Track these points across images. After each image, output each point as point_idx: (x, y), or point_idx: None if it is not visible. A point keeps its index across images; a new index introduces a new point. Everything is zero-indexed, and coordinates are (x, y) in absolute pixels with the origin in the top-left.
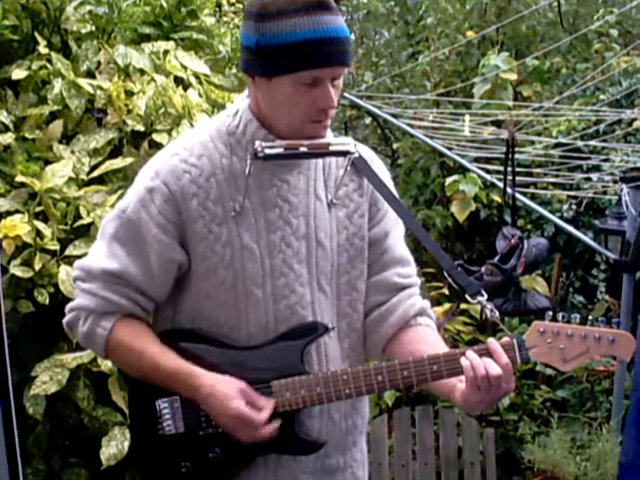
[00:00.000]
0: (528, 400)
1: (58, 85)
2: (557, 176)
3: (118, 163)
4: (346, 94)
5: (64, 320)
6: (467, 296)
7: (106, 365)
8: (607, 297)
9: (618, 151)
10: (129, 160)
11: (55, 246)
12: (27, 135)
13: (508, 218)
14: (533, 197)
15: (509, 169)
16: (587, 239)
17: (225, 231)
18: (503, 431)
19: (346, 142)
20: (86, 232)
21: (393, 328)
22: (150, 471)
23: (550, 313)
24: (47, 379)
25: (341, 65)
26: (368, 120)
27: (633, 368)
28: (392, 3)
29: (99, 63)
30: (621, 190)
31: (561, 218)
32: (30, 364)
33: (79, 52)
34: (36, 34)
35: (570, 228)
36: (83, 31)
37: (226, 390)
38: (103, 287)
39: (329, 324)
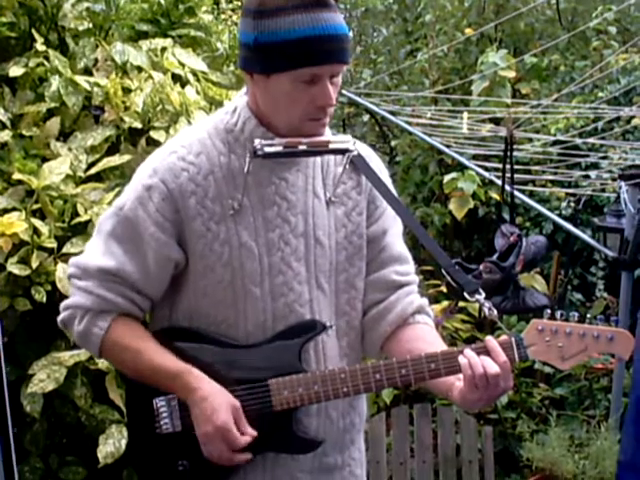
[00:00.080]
0: (526, 398)
1: (55, 82)
2: (555, 174)
3: (115, 160)
4: (344, 91)
5: (59, 318)
6: (465, 294)
7: (103, 363)
8: (605, 295)
9: (616, 149)
10: (126, 157)
11: (52, 244)
12: (24, 132)
13: (506, 216)
14: (531, 195)
15: (507, 167)
16: (585, 237)
17: (223, 229)
18: (501, 429)
19: (345, 140)
20: (83, 230)
21: (391, 326)
22: (147, 469)
23: (548, 311)
24: (44, 377)
25: (340, 62)
26: (366, 117)
27: (632, 366)
28: (390, 0)
29: (96, 60)
30: (620, 188)
31: (559, 216)
32: (27, 362)
33: (76, 49)
34: (33, 31)
35: (568, 226)
36: (80, 28)
37: (221, 401)
38: (99, 285)
39: (327, 322)
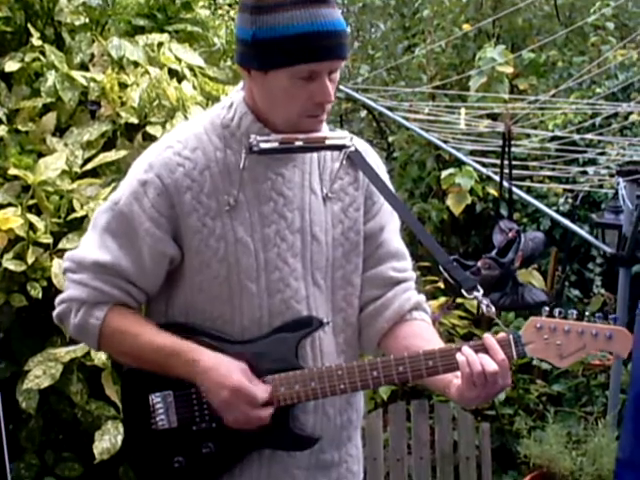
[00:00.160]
0: (524, 394)
1: (51, 77)
2: (553, 169)
3: (112, 156)
4: (342, 87)
5: (54, 313)
6: (463, 291)
7: (99, 359)
8: (603, 291)
9: (614, 144)
10: (123, 153)
11: (48, 239)
12: (20, 128)
13: (504, 212)
14: (529, 190)
15: (505, 162)
16: (583, 233)
17: (219, 225)
18: (499, 425)
19: (342, 136)
20: (79, 225)
21: (388, 322)
22: (143, 466)
23: (547, 309)
24: (40, 373)
25: (338, 58)
26: (364, 113)
27: (630, 363)
28: None
29: (93, 55)
30: (618, 184)
31: (557, 212)
32: (23, 358)
33: (73, 44)
34: (29, 26)
35: (566, 222)
36: (77, 23)
37: (228, 365)
38: (94, 278)
39: (324, 318)
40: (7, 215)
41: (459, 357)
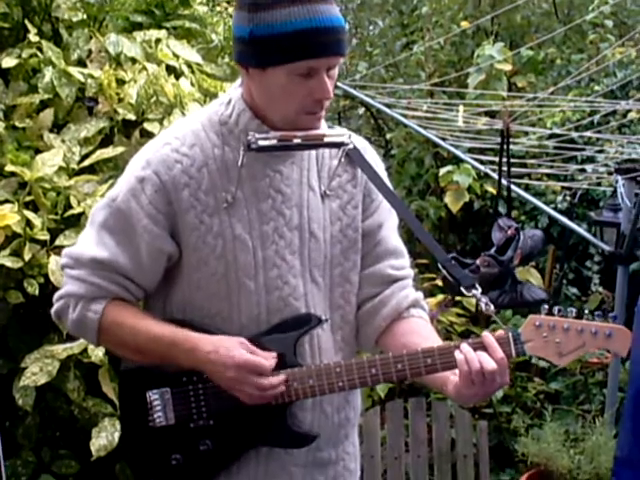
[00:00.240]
0: (521, 392)
1: (49, 73)
2: (551, 167)
3: (109, 152)
4: (340, 84)
5: (52, 309)
6: (462, 289)
7: (96, 356)
8: (601, 289)
9: (613, 142)
10: (120, 149)
11: (45, 236)
12: (17, 124)
13: (502, 209)
14: (527, 188)
15: (504, 160)
16: (581, 230)
17: (217, 222)
18: (496, 423)
19: (340, 133)
20: (76, 222)
21: (386, 320)
22: (140, 463)
23: (546, 306)
24: (37, 370)
25: (336, 55)
26: (361, 110)
27: (627, 361)
28: None
29: (90, 51)
30: (616, 182)
31: (555, 209)
32: (20, 355)
33: (70, 40)
34: (27, 22)
35: (564, 219)
36: (74, 19)
37: (226, 343)
38: (92, 273)
39: (322, 316)
40: (4, 212)
41: (457, 355)
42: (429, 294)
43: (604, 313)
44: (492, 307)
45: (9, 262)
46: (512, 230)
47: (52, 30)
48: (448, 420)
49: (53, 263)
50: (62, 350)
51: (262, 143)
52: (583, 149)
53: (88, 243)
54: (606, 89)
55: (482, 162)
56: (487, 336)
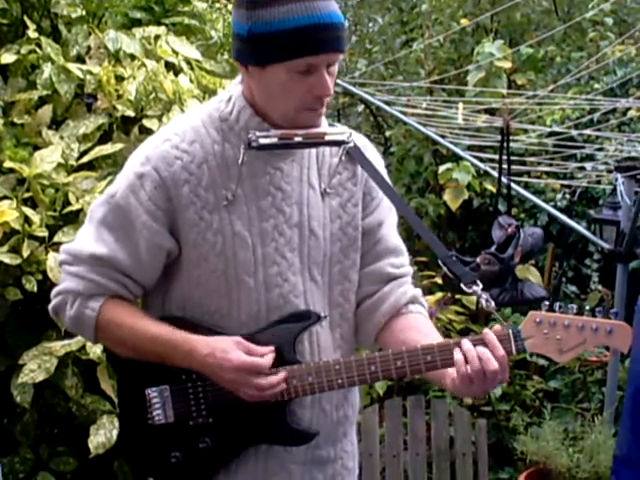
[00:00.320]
0: (520, 390)
1: (47, 70)
2: (551, 165)
3: (108, 149)
4: (339, 81)
5: (50, 305)
6: (462, 285)
7: (95, 353)
8: (600, 287)
9: (612, 140)
10: (119, 146)
11: (43, 233)
12: (16, 120)
13: (501, 207)
14: (526, 186)
15: (504, 157)
16: (581, 228)
17: (217, 218)
18: (495, 421)
19: (341, 132)
20: (75, 218)
21: (385, 317)
22: (139, 461)
23: (546, 303)
24: (35, 367)
25: (336, 51)
26: (361, 108)
27: (627, 359)
28: None
29: (89, 48)
30: (616, 180)
31: (555, 207)
32: (18, 352)
33: (69, 36)
34: (25, 18)
35: (564, 217)
36: (73, 15)
37: (223, 345)
38: (90, 270)
39: (321, 313)
40: (2, 208)
41: (456, 355)
42: (428, 292)
43: (605, 310)
44: (493, 304)
45: (7, 259)
46: (512, 228)
47: (51, 26)
48: (447, 418)
49: (51, 260)
50: (60, 347)
51: (263, 141)
52: (583, 147)
53: (87, 239)
54: (606, 87)
55: (481, 160)
56: (488, 333)
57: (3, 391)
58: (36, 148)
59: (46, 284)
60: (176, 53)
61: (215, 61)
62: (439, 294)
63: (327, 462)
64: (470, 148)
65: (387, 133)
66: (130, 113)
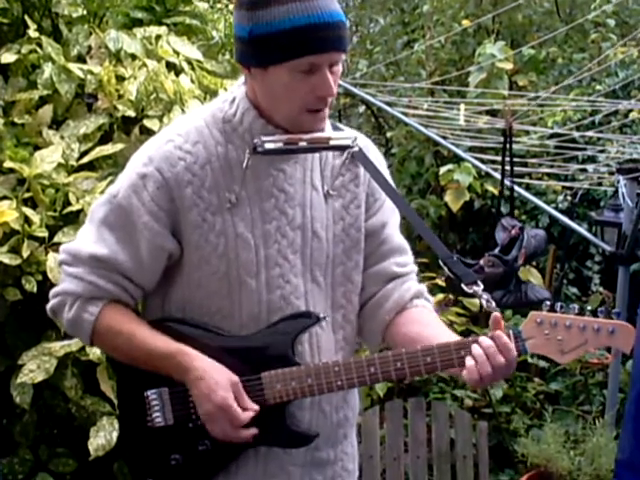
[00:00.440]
0: (521, 393)
1: (48, 69)
2: (552, 167)
3: (108, 149)
4: (340, 82)
5: (48, 306)
6: (463, 285)
7: (94, 354)
8: (601, 289)
9: (614, 142)
10: (119, 146)
11: (43, 233)
12: (16, 120)
13: (504, 209)
14: (528, 188)
15: (506, 159)
16: (582, 230)
17: (219, 220)
18: (496, 424)
19: (346, 136)
20: (75, 219)
21: (390, 314)
22: (139, 463)
23: (548, 303)
24: (34, 367)
25: (337, 50)
26: (362, 108)
27: (629, 361)
28: None
29: (90, 47)
30: (618, 182)
31: (556, 209)
32: (17, 352)
33: (70, 36)
34: (26, 17)
35: (565, 219)
36: (74, 15)
37: (218, 377)
38: (90, 272)
39: (321, 314)
40: (2, 208)
41: (468, 362)
42: (429, 293)
43: (607, 310)
44: (493, 304)
45: (7, 259)
46: (516, 230)
47: (52, 26)
48: (448, 420)
49: (51, 260)
50: (60, 347)
51: (268, 146)
52: (584, 149)
53: (87, 239)
54: (608, 89)
55: (483, 161)
56: (501, 336)
57: (2, 391)
58: (36, 148)
59: (46, 284)
60: (177, 53)
61: (216, 61)
62: (440, 296)
63: (327, 464)
64: (471, 149)
65: (388, 134)
66: (131, 113)
